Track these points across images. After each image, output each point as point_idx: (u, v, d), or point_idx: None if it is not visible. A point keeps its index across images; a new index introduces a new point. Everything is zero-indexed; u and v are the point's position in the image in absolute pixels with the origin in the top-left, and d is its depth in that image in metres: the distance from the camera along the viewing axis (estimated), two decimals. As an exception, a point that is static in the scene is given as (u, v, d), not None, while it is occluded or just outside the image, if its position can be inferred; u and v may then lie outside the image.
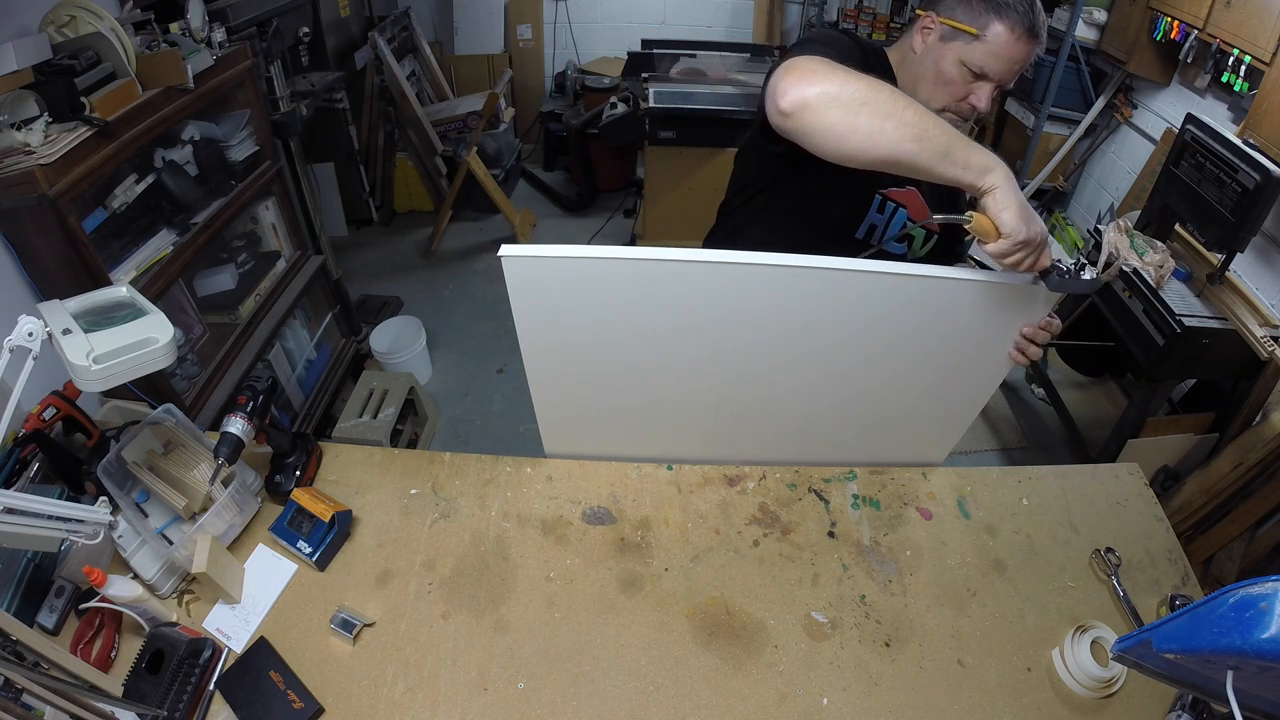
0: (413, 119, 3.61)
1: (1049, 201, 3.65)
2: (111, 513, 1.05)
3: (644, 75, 3.47)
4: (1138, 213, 2.52)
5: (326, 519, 1.15)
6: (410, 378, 2.50)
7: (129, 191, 1.70)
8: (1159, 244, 2.29)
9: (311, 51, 3.05)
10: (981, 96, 1.12)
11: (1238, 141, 2.05)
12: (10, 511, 0.92)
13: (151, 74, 1.66)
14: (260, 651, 1.04)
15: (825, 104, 0.89)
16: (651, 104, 3.19)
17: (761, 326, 1.07)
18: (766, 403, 1.22)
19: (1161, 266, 2.18)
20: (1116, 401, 2.85)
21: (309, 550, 1.15)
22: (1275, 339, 1.95)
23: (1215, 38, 2.37)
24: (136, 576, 1.08)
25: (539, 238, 3.96)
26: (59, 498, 1.15)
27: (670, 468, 1.33)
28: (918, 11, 1.19)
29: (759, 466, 1.33)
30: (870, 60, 1.19)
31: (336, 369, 2.69)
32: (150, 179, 1.78)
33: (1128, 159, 3.15)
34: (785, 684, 1.04)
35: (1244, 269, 2.27)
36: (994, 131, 4.00)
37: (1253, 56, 2.20)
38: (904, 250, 1.32)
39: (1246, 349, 1.99)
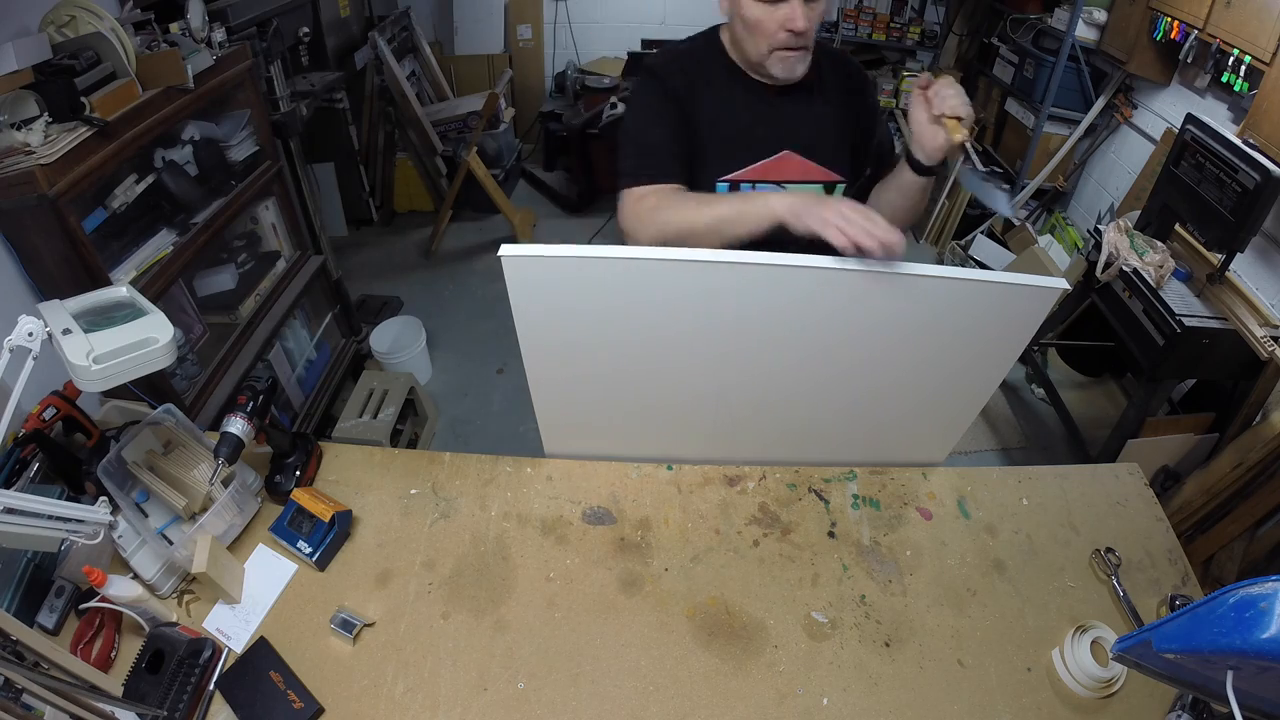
0: (413, 119, 3.61)
1: (1049, 201, 3.65)
2: (111, 513, 1.05)
3: (644, 75, 3.46)
4: (1138, 213, 2.52)
5: (326, 519, 1.15)
6: (410, 378, 2.50)
7: (129, 191, 1.70)
8: (1159, 244, 2.29)
9: (311, 51, 3.05)
10: (795, 17, 1.09)
11: (1238, 141, 2.05)
12: (10, 511, 0.92)
13: (151, 74, 1.66)
14: (260, 651, 1.05)
15: (646, 240, 1.13)
16: (652, 104, 3.18)
17: (761, 326, 1.07)
18: (766, 402, 1.22)
19: (1161, 266, 2.18)
20: (1116, 401, 2.86)
21: (309, 550, 1.15)
22: (1275, 339, 1.95)
23: (1215, 38, 2.37)
24: (136, 576, 1.08)
25: (539, 238, 3.96)
26: (59, 498, 1.15)
27: (670, 468, 1.33)
28: None
29: (759, 466, 1.33)
30: (692, 66, 1.23)
31: (336, 369, 2.69)
32: (150, 179, 1.77)
33: (1128, 159, 3.15)
34: (785, 684, 1.04)
35: (1244, 269, 2.27)
36: (994, 131, 4.00)
37: (1253, 56, 2.19)
38: None
39: (1246, 349, 1.99)
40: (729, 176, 1.24)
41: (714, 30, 1.26)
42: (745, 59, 1.20)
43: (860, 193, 1.32)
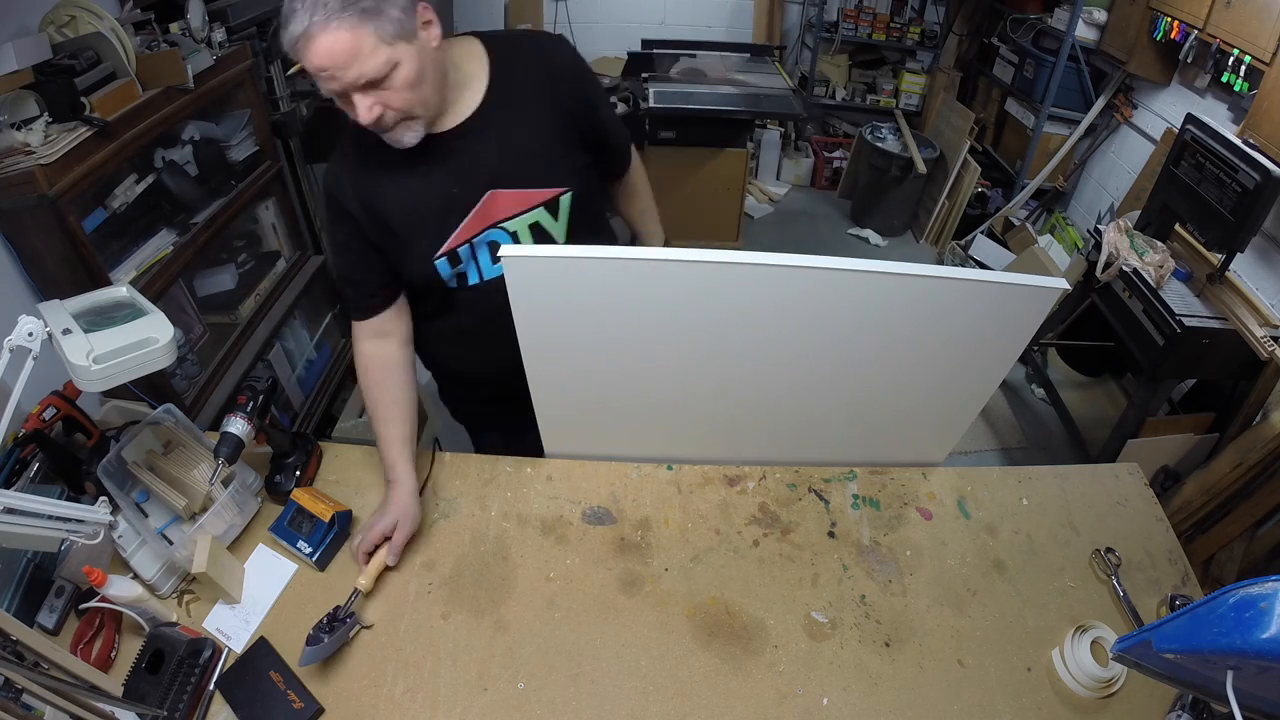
0: (413, 119, 3.60)
1: (1049, 201, 3.65)
2: (111, 513, 1.05)
3: (644, 75, 3.47)
4: (1138, 213, 2.52)
5: (326, 519, 1.15)
6: (410, 378, 2.50)
7: (129, 191, 1.70)
8: (1159, 244, 2.29)
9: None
10: (359, 113, 0.97)
11: (1238, 141, 2.06)
12: (10, 511, 0.92)
13: (151, 74, 1.66)
14: (260, 651, 1.05)
15: None
16: (651, 104, 3.19)
17: (761, 326, 1.07)
18: (766, 402, 1.22)
19: (1161, 266, 2.18)
20: (1116, 401, 2.85)
21: (309, 550, 1.15)
22: (1275, 339, 1.95)
23: (1215, 38, 2.37)
24: (136, 576, 1.08)
25: (539, 238, 3.95)
26: (59, 498, 1.15)
27: (670, 468, 1.33)
28: None
29: (759, 466, 1.33)
30: (358, 164, 1.13)
31: (336, 369, 2.69)
32: (150, 179, 1.77)
33: (1128, 159, 3.15)
34: (785, 684, 1.04)
35: (1244, 269, 2.27)
36: (994, 131, 4.00)
37: (1253, 56, 2.19)
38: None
39: (1246, 349, 1.99)
40: (444, 249, 1.14)
41: None
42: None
43: (597, 193, 1.27)
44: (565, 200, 1.17)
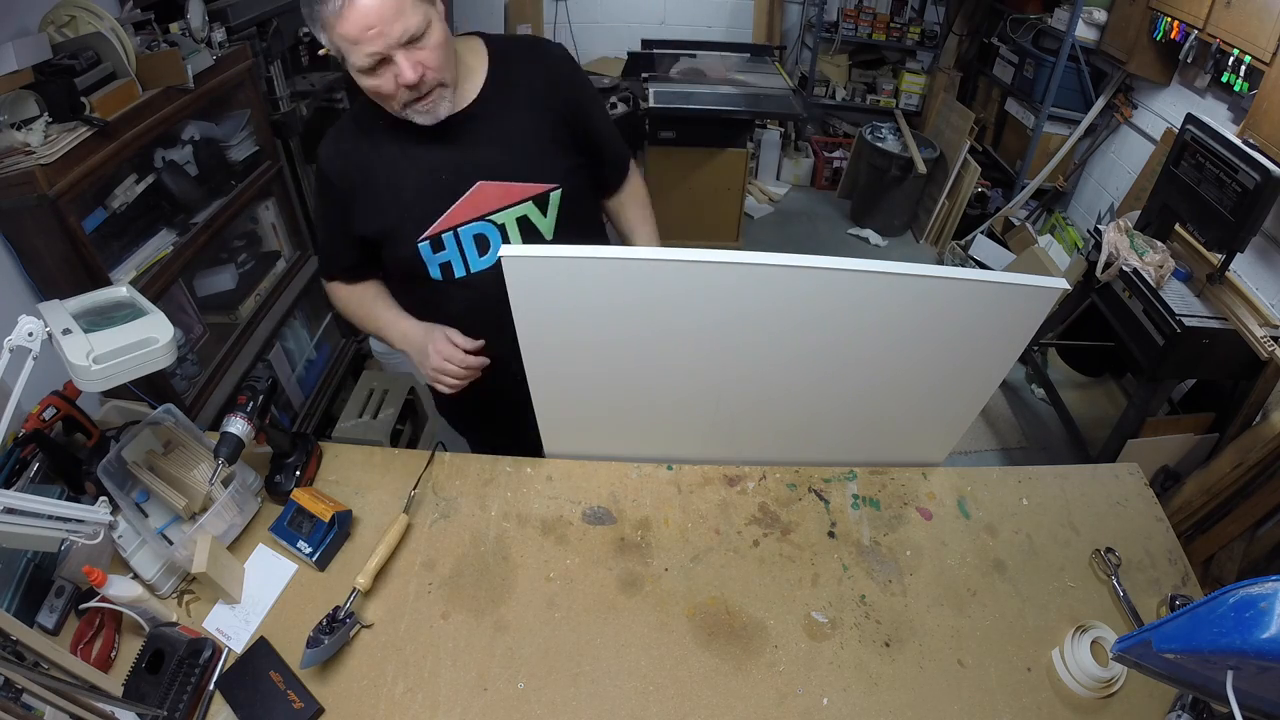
0: (413, 119, 3.61)
1: (1049, 201, 3.65)
2: (111, 513, 1.05)
3: (644, 75, 3.47)
4: (1138, 213, 2.52)
5: (326, 519, 1.15)
6: (410, 378, 2.50)
7: (129, 191, 1.70)
8: (1159, 244, 2.29)
9: (311, 51, 3.05)
10: (403, 73, 1.00)
11: (1238, 141, 2.06)
12: (10, 511, 0.92)
13: (151, 74, 1.66)
14: (260, 651, 1.05)
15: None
16: (651, 104, 3.19)
17: (761, 326, 1.07)
18: (766, 402, 1.22)
19: (1161, 266, 2.18)
20: (1116, 401, 2.86)
21: (309, 550, 1.15)
22: (1275, 339, 1.95)
23: (1215, 38, 2.37)
24: (136, 576, 1.08)
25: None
26: (59, 498, 1.15)
27: (670, 468, 1.33)
28: None
29: (759, 466, 1.33)
30: (353, 143, 1.16)
31: (336, 369, 2.69)
32: (150, 179, 1.77)
33: (1128, 159, 3.15)
34: (785, 684, 1.04)
35: (1244, 269, 2.27)
36: (994, 131, 4.00)
37: (1253, 56, 2.20)
38: (493, 258, 1.19)
39: (1246, 349, 1.99)
40: (428, 233, 1.16)
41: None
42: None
43: (589, 195, 1.31)
44: (555, 196, 1.19)
